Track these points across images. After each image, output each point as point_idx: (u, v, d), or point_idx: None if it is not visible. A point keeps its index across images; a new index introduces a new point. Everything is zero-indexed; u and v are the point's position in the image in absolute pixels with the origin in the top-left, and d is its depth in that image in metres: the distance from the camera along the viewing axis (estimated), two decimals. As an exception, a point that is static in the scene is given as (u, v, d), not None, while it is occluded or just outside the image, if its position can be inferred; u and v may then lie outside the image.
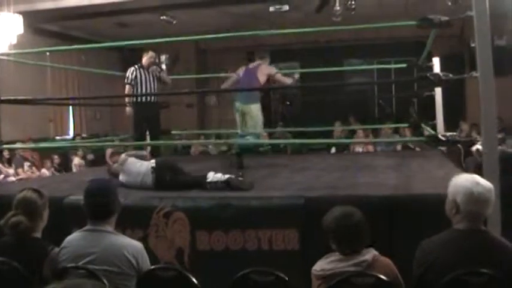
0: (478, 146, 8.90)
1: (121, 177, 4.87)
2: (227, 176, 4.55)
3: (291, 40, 13.43)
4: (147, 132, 7.07)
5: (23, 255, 2.85)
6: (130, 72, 7.08)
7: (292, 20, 11.10)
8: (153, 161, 4.95)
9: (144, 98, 7.04)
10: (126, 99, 7.25)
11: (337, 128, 11.42)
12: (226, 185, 4.44)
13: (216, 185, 4.47)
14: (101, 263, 2.73)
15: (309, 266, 2.85)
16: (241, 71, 6.58)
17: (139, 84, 6.99)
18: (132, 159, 4.96)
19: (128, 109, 7.04)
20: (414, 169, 5.66)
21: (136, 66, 7.13)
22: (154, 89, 7.14)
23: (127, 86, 7.09)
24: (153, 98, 7.11)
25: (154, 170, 4.73)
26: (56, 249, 2.91)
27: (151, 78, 7.04)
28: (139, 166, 4.84)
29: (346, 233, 2.65)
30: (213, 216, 3.84)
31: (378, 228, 2.82)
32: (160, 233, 3.91)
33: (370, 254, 2.64)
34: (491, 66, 3.68)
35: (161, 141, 6.96)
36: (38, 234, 3.03)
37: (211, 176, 4.56)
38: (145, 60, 7.10)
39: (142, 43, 6.50)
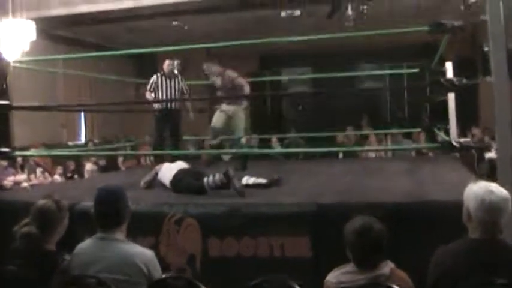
0: (491, 155, 8.86)
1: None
2: (261, 179, 4.91)
3: (303, 45, 13.40)
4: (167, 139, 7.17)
5: (32, 266, 2.84)
6: (153, 79, 7.27)
7: (304, 25, 11.07)
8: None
9: (164, 105, 7.11)
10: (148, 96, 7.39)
11: (341, 134, 11.37)
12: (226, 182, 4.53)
13: (214, 183, 4.57)
14: (111, 272, 2.71)
15: (320, 273, 2.82)
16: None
17: (159, 91, 7.07)
18: None
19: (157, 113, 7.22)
20: (427, 175, 5.62)
21: (158, 74, 7.32)
22: (174, 96, 7.20)
23: (147, 93, 7.21)
24: (173, 105, 7.18)
25: (176, 173, 4.94)
26: (67, 260, 2.89)
27: (172, 86, 7.13)
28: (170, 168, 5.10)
29: (365, 246, 2.59)
30: (225, 222, 3.81)
31: (391, 236, 2.78)
32: (172, 239, 3.89)
33: (388, 267, 2.59)
34: (505, 71, 3.63)
35: (165, 151, 6.98)
36: (52, 246, 3.00)
37: (246, 180, 4.89)
38: (165, 66, 7.25)
39: (152, 51, 6.55)
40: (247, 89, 6.45)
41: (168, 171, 5.12)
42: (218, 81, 6.54)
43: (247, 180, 4.96)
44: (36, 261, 2.88)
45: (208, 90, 12.84)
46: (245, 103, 6.80)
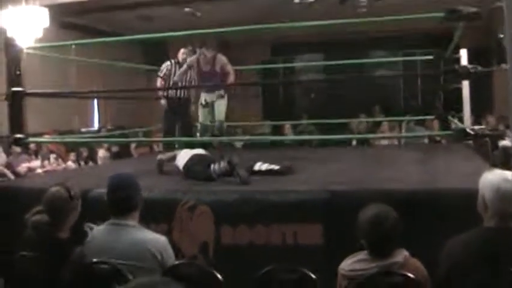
0: (505, 142, 8.79)
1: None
2: (274, 166, 4.95)
3: (315, 32, 13.34)
4: (176, 127, 7.07)
5: (44, 254, 2.86)
6: (166, 66, 7.07)
7: (316, 12, 11.01)
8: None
9: (174, 93, 7.01)
10: (159, 92, 7.27)
11: (355, 120, 11.33)
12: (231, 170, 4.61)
13: (220, 170, 4.65)
14: (124, 258, 2.73)
15: (333, 260, 2.82)
16: (194, 60, 6.40)
17: (171, 79, 6.95)
18: None
19: (163, 101, 7.05)
20: (441, 163, 5.59)
21: (172, 61, 7.12)
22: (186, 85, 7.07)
23: (158, 79, 7.10)
24: (183, 93, 7.05)
25: (187, 160, 5.03)
26: (80, 249, 2.90)
27: (185, 75, 6.96)
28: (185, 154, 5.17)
29: (379, 235, 2.58)
30: (238, 210, 3.82)
31: (403, 224, 2.77)
32: (185, 226, 3.90)
33: (401, 255, 2.59)
34: (521, 59, 3.59)
35: (177, 138, 6.93)
36: (64, 234, 3.01)
37: (258, 166, 4.92)
38: (180, 55, 7.12)
39: (164, 36, 6.50)
40: (232, 78, 6.34)
41: (183, 157, 5.16)
42: (207, 67, 6.32)
43: (259, 166, 4.98)
44: (49, 249, 2.90)
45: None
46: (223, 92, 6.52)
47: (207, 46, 6.29)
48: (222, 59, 6.30)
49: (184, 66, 6.46)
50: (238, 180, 4.50)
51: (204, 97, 6.33)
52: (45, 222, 3.02)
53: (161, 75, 7.03)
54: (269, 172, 4.91)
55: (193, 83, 6.88)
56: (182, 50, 7.12)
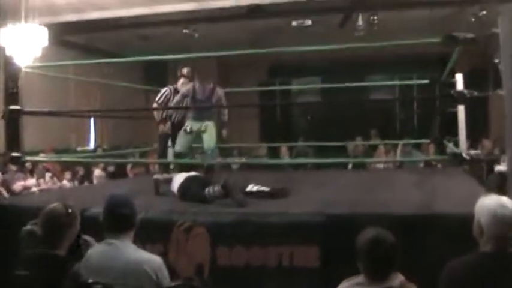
0: (500, 167, 8.83)
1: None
2: (265, 187, 4.96)
3: (312, 55, 13.43)
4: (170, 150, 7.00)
5: (41, 271, 2.84)
6: (164, 93, 6.86)
7: (314, 35, 11.10)
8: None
9: (170, 118, 6.90)
10: (156, 117, 7.12)
11: (352, 143, 11.36)
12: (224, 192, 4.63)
13: (214, 193, 4.67)
14: (120, 278, 2.72)
15: (329, 283, 2.82)
16: (190, 88, 6.30)
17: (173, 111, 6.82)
18: None
19: (161, 126, 6.93)
20: (437, 187, 5.59)
21: (171, 87, 6.92)
22: (183, 114, 6.92)
23: (155, 105, 6.98)
24: (176, 118, 6.91)
25: (183, 181, 5.03)
26: (77, 267, 2.89)
27: (181, 103, 6.82)
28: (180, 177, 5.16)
29: (377, 259, 2.58)
30: (234, 231, 3.82)
31: (401, 248, 2.77)
32: (181, 247, 3.90)
33: (398, 279, 2.58)
34: (516, 84, 3.64)
35: (170, 160, 6.87)
36: (61, 251, 3.00)
37: (250, 188, 4.97)
38: (179, 85, 6.92)
39: (162, 58, 6.51)
40: (226, 112, 6.40)
41: (178, 180, 5.17)
42: (203, 96, 6.27)
43: (251, 187, 4.99)
44: (45, 266, 2.88)
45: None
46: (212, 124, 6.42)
47: (207, 78, 6.28)
48: (220, 92, 6.28)
49: (179, 95, 6.38)
50: (234, 203, 4.50)
51: (190, 125, 6.25)
52: (36, 233, 3.00)
53: (159, 101, 6.89)
54: (259, 194, 4.90)
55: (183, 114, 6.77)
56: (182, 80, 6.96)
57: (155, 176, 5.84)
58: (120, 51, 13.43)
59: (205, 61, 13.41)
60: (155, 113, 6.97)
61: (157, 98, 6.92)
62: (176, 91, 6.83)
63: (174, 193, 5.16)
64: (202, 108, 6.16)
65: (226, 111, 6.49)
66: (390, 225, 2.87)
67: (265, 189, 4.99)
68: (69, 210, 3.04)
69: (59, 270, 2.85)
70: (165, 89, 6.94)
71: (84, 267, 2.85)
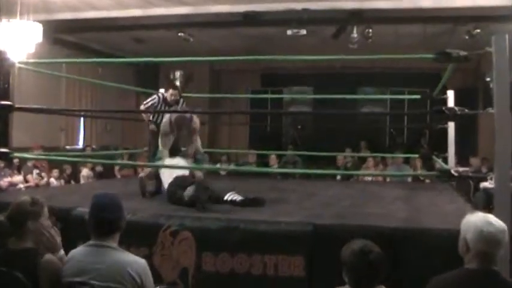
0: (486, 184, 8.90)
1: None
2: (237, 196, 4.92)
3: (305, 65, 13.49)
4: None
5: (6, 264, 2.80)
6: (152, 100, 6.89)
7: (308, 45, 11.14)
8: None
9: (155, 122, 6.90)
10: (146, 119, 7.13)
11: (341, 154, 11.38)
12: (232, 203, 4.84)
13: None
14: (104, 280, 2.70)
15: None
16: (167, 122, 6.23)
17: (158, 118, 6.83)
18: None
19: (152, 126, 6.94)
20: (424, 202, 5.63)
21: (160, 96, 6.96)
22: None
23: (142, 107, 7.00)
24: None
25: (170, 183, 5.19)
26: (48, 257, 2.86)
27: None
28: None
29: (362, 270, 2.58)
30: (220, 238, 3.81)
31: (386, 261, 2.78)
32: (166, 251, 3.88)
33: None
34: (508, 103, 3.66)
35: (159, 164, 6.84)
36: (29, 244, 2.95)
37: (228, 196, 4.94)
38: (169, 95, 6.94)
39: (157, 61, 6.50)
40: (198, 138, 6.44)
41: (166, 178, 5.35)
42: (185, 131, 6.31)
43: (228, 196, 5.01)
44: (13, 257, 2.83)
45: (210, 104, 12.95)
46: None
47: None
48: (195, 123, 6.21)
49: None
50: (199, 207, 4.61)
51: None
52: (6, 230, 2.96)
53: (145, 106, 6.90)
54: (233, 203, 4.90)
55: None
56: (171, 91, 6.97)
57: (140, 175, 5.86)
58: (113, 52, 13.42)
59: (198, 67, 13.48)
60: (144, 116, 7.01)
61: (145, 101, 6.95)
62: (165, 100, 6.86)
63: (164, 191, 5.29)
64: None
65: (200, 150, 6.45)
66: (376, 238, 2.88)
67: (238, 198, 4.95)
68: (34, 201, 3.00)
69: (29, 262, 2.81)
70: (154, 96, 6.97)
71: (66, 268, 2.83)
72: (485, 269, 2.48)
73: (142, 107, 7.01)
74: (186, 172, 5.54)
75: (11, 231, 2.93)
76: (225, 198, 4.97)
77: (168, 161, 5.78)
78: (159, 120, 6.74)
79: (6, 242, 2.92)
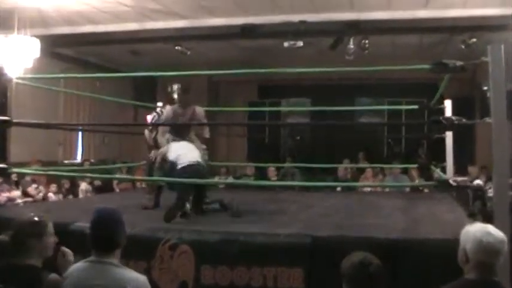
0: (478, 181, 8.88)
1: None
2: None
3: (303, 76, 13.50)
4: None
5: (11, 282, 2.79)
6: (153, 118, 6.87)
7: (305, 56, 11.17)
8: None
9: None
10: (148, 141, 7.11)
11: (342, 165, 11.35)
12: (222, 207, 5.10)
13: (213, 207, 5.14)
14: (103, 297, 2.69)
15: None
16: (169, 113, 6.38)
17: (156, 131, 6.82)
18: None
19: (153, 151, 6.93)
20: (423, 212, 5.62)
21: (159, 111, 6.94)
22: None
23: (146, 131, 6.97)
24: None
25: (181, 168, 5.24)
26: (54, 276, 2.86)
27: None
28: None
29: (362, 282, 2.57)
30: (219, 251, 3.81)
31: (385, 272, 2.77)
32: (165, 265, 3.88)
33: None
34: (504, 112, 3.67)
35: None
36: (33, 261, 2.95)
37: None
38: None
39: (155, 75, 6.50)
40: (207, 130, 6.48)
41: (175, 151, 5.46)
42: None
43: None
44: (17, 275, 2.83)
45: (209, 115, 12.93)
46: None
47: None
48: (200, 112, 6.23)
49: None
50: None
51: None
52: (4, 242, 2.97)
53: (149, 128, 6.92)
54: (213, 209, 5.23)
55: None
56: (168, 107, 6.98)
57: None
58: (111, 65, 13.44)
59: (196, 79, 13.48)
60: (147, 136, 6.94)
61: (148, 121, 6.96)
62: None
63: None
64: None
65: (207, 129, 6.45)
66: (375, 249, 2.87)
67: (215, 206, 5.32)
68: (38, 220, 3.00)
69: (33, 280, 2.81)
70: (154, 114, 6.96)
71: (66, 284, 2.81)
72: (485, 280, 2.48)
73: (146, 132, 6.97)
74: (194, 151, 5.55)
75: (15, 250, 2.93)
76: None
77: (174, 144, 5.73)
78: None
79: (10, 260, 2.92)
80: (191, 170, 5.18)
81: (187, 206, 5.12)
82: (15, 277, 2.82)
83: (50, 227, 3.05)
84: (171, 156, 5.43)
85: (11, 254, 2.95)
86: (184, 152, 5.42)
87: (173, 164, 5.32)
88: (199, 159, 5.41)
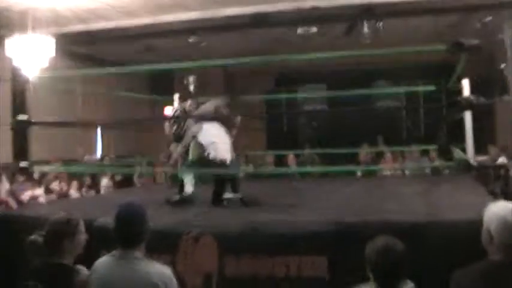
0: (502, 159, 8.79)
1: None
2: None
3: (318, 63, 13.44)
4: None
5: (47, 281, 2.85)
6: (174, 111, 7.09)
7: (320, 43, 11.12)
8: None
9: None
10: (167, 135, 7.18)
11: (364, 150, 11.30)
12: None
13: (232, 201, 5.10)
14: (130, 290, 2.72)
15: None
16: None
17: (177, 126, 6.90)
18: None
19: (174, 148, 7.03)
20: (444, 194, 5.59)
21: (179, 106, 7.13)
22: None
23: (166, 124, 7.05)
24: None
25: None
26: (83, 274, 2.90)
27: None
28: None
29: (386, 267, 2.58)
30: (242, 240, 3.81)
31: (410, 256, 2.76)
32: (189, 257, 3.89)
33: (408, 286, 2.58)
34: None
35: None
36: (67, 261, 3.00)
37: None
38: (187, 106, 7.02)
39: (170, 68, 6.52)
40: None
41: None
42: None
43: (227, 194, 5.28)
44: (53, 275, 2.89)
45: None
46: None
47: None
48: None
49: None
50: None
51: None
52: (39, 242, 3.02)
53: (170, 121, 7.01)
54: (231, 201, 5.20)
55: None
56: (189, 102, 7.06)
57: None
58: (126, 61, 13.48)
59: (212, 70, 13.50)
60: (167, 130, 7.02)
61: (169, 122, 7.02)
62: (184, 111, 6.93)
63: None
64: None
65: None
66: (399, 234, 2.86)
67: (236, 196, 5.23)
68: (70, 220, 3.05)
69: (66, 279, 2.86)
70: (175, 107, 7.04)
71: (92, 279, 2.85)
72: (511, 261, 2.44)
73: (167, 125, 7.05)
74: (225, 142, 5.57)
75: (49, 250, 2.98)
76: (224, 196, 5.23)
77: (206, 125, 5.76)
78: (182, 132, 6.80)
79: (45, 259, 2.97)
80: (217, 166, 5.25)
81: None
82: (50, 277, 2.87)
83: (81, 225, 3.10)
84: (204, 140, 5.47)
85: (45, 253, 3.00)
86: (216, 142, 5.45)
87: (203, 151, 5.37)
88: (229, 155, 5.46)
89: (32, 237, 3.14)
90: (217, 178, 5.47)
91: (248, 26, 10.44)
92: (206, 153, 5.37)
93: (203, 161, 5.43)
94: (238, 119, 6.24)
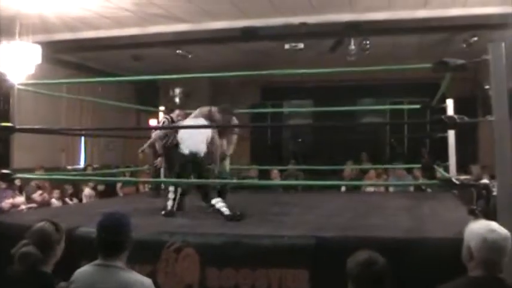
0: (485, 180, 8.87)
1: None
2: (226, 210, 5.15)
3: (305, 78, 13.52)
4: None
5: (28, 287, 2.83)
6: (162, 122, 7.32)
7: (306, 58, 11.18)
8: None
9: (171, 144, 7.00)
10: (158, 146, 7.23)
11: (348, 167, 11.35)
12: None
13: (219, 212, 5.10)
14: (109, 300, 2.70)
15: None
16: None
17: (169, 135, 6.95)
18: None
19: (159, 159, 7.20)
20: (426, 212, 5.62)
21: (168, 117, 7.31)
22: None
23: (155, 137, 7.12)
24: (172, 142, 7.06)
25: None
26: (63, 284, 2.88)
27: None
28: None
29: (367, 281, 2.58)
30: (224, 253, 3.81)
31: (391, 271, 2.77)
32: (170, 268, 3.88)
33: None
34: (506, 110, 3.67)
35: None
36: (48, 268, 2.98)
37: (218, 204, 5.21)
38: (175, 116, 7.21)
39: (157, 78, 6.54)
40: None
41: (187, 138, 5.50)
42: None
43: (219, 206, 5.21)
44: (33, 282, 2.86)
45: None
46: None
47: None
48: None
49: None
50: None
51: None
52: (33, 255, 2.99)
53: (157, 135, 7.09)
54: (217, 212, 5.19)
55: None
56: (177, 112, 7.20)
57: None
58: (113, 70, 13.46)
59: (198, 82, 13.50)
60: (157, 145, 7.13)
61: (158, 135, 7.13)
62: (172, 121, 7.01)
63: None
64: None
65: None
66: (379, 249, 2.88)
67: (225, 211, 5.15)
68: (58, 226, 3.05)
69: (46, 286, 2.84)
70: (163, 119, 7.15)
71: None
72: (490, 277, 2.48)
73: (156, 139, 7.13)
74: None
75: (41, 258, 2.95)
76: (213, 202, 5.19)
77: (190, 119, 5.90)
78: (168, 143, 6.86)
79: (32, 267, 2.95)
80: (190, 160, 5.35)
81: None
82: (30, 284, 2.84)
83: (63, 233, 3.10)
84: (179, 135, 5.61)
85: (29, 262, 2.96)
86: (189, 134, 5.53)
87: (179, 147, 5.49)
88: (203, 146, 5.47)
89: (24, 249, 3.07)
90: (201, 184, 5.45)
91: (236, 39, 10.47)
92: (180, 148, 5.42)
93: (178, 156, 5.47)
94: (235, 124, 6.31)
